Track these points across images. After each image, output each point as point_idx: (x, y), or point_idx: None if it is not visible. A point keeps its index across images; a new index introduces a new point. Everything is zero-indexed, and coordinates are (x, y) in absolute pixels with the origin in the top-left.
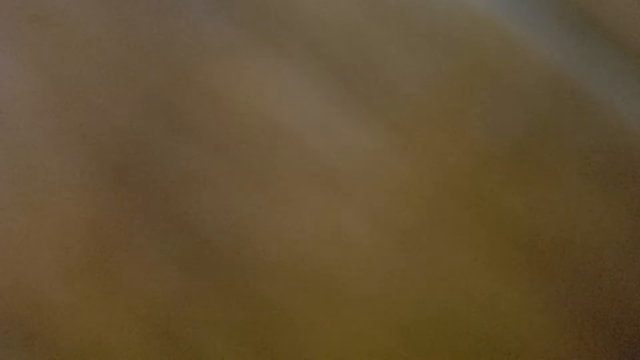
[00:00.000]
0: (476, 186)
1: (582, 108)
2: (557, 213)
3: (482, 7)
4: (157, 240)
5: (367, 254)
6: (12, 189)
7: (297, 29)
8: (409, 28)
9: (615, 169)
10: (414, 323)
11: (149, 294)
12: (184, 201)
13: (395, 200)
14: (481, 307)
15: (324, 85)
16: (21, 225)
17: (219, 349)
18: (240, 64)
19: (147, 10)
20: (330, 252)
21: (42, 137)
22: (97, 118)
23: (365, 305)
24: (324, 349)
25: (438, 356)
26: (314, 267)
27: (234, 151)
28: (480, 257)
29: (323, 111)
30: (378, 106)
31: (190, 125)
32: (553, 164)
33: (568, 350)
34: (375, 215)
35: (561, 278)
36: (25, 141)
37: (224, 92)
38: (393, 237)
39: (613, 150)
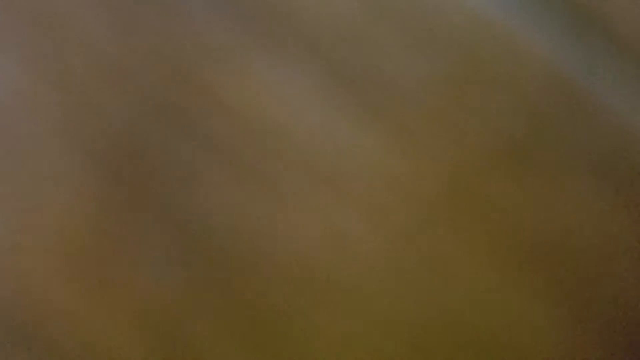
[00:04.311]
0: (476, 186)
1: (582, 107)
2: (557, 212)
3: (482, 7)
4: (157, 241)
5: (367, 253)
6: (12, 189)
7: (297, 30)
8: (409, 28)
9: (615, 168)
10: (414, 323)
11: (149, 294)
12: (184, 201)
13: (395, 200)
14: (481, 307)
15: (324, 84)
16: (21, 226)
17: (218, 348)
18: (240, 64)
19: (147, 11)
20: (330, 252)
21: (42, 137)
22: (97, 118)
23: (365, 304)
24: (324, 348)
25: (438, 355)
26: (314, 267)
27: (234, 151)
28: (480, 257)
29: (323, 111)
30: (378, 106)
31: (190, 125)
32: (553, 163)
33: (568, 351)
34: (375, 215)
35: (562, 278)
36: (26, 141)
37: (225, 93)
38: (393, 237)
39: (613, 149)
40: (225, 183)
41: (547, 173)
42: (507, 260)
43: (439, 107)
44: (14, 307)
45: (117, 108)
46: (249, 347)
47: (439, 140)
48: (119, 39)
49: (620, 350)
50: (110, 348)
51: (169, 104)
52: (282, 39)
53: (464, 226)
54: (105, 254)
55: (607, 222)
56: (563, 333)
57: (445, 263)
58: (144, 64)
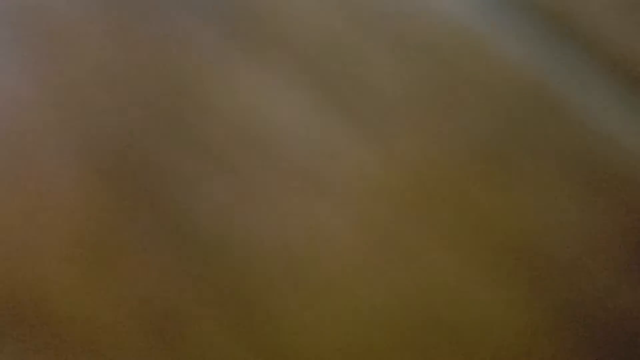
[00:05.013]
0: (454, 188)
1: (559, 112)
2: (534, 215)
3: (460, 14)
4: (153, 241)
5: (349, 251)
6: (12, 190)
7: (285, 38)
8: (391, 36)
9: (589, 170)
10: (392, 316)
11: (146, 292)
12: (179, 202)
13: (376, 202)
14: (457, 304)
15: (309, 92)
16: (20, 227)
17: (213, 344)
18: (231, 72)
19: (145, 19)
20: (315, 250)
21: (41, 142)
22: (95, 122)
23: (348, 298)
24: (316, 342)
25: (415, 349)
26: (304, 265)
27: (226, 155)
28: (457, 256)
29: (309, 117)
30: (360, 112)
31: (184, 130)
32: (530, 167)
33: (545, 349)
34: (357, 216)
35: (538, 278)
36: (25, 147)
37: (217, 99)
38: (373, 235)
39: (589, 153)
40: (217, 185)
41: (524, 176)
42: (484, 259)
43: (420, 112)
44: (13, 301)
45: (114, 113)
46: (242, 342)
47: (419, 144)
48: (116, 45)
49: (599, 350)
50: (110, 345)
51: (165, 109)
52: (272, 47)
53: (442, 226)
54: (104, 255)
55: (582, 223)
56: (539, 331)
57: (422, 261)
58: (141, 71)
